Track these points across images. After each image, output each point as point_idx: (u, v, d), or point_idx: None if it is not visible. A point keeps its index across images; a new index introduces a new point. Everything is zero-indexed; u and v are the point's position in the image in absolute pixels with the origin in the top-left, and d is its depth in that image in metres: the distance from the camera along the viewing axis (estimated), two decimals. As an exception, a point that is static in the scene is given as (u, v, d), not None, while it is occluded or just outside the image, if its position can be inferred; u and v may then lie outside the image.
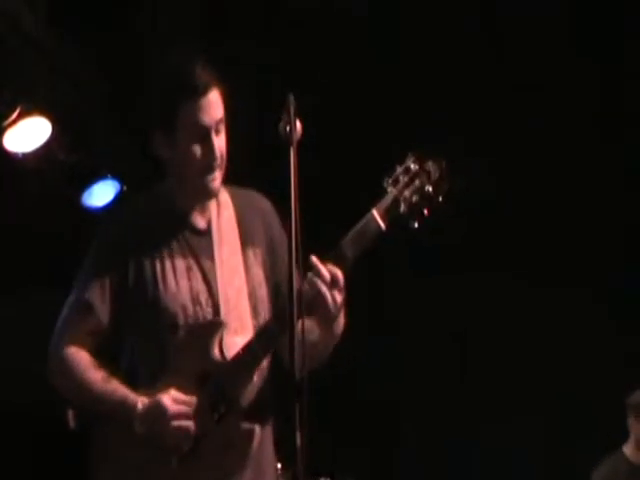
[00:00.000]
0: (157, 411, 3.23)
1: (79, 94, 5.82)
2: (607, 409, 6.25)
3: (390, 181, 3.26)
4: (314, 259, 3.18)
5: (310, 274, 3.17)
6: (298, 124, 2.96)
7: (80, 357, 3.33)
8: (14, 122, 5.28)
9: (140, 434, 3.25)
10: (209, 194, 3.38)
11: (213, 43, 5.84)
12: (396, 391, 7.00)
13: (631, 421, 6.01)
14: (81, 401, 3.38)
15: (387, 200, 3.24)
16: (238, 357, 3.27)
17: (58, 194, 5.97)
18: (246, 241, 3.42)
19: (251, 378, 3.29)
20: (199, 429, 3.26)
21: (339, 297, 3.19)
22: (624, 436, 6.11)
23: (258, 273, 3.41)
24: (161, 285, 3.32)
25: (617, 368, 6.46)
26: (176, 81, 3.29)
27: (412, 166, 3.27)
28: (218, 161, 3.31)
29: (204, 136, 3.28)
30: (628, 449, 6.03)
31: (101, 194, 6.06)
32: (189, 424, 3.25)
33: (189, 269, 3.35)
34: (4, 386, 6.23)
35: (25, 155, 5.48)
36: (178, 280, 3.33)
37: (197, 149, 3.30)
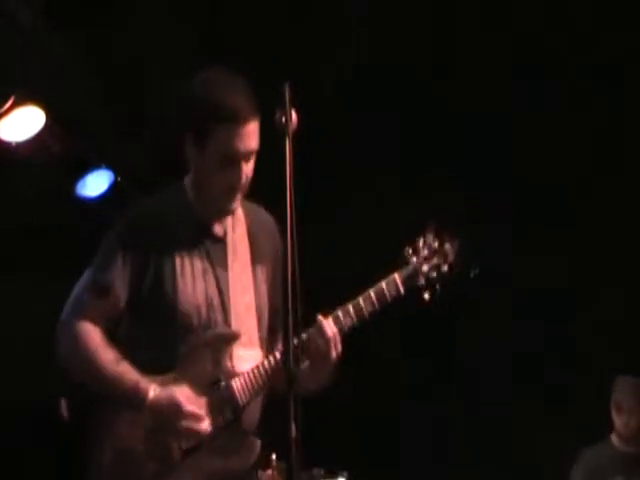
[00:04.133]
0: (170, 406, 3.25)
1: (73, 84, 5.80)
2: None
3: (411, 252, 3.58)
4: (320, 318, 3.40)
5: (312, 330, 3.37)
6: (294, 114, 2.92)
7: (93, 335, 3.35)
8: (8, 111, 5.27)
9: (147, 422, 3.28)
10: (226, 213, 3.45)
11: (210, 40, 5.86)
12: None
13: (613, 415, 6.10)
14: (88, 379, 3.37)
15: (409, 270, 3.55)
16: (251, 372, 3.38)
17: (51, 184, 5.95)
18: (255, 258, 3.50)
19: (257, 394, 3.41)
20: (204, 433, 3.30)
21: (334, 353, 3.40)
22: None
23: (263, 290, 3.51)
24: (179, 282, 3.37)
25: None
26: (220, 102, 3.30)
27: (432, 243, 3.58)
28: (241, 186, 3.37)
29: (233, 162, 3.33)
30: (614, 438, 6.14)
31: (95, 184, 6.04)
32: (200, 426, 3.28)
33: (205, 272, 3.41)
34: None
35: (18, 144, 5.47)
36: (195, 280, 3.38)
37: (224, 172, 3.34)
